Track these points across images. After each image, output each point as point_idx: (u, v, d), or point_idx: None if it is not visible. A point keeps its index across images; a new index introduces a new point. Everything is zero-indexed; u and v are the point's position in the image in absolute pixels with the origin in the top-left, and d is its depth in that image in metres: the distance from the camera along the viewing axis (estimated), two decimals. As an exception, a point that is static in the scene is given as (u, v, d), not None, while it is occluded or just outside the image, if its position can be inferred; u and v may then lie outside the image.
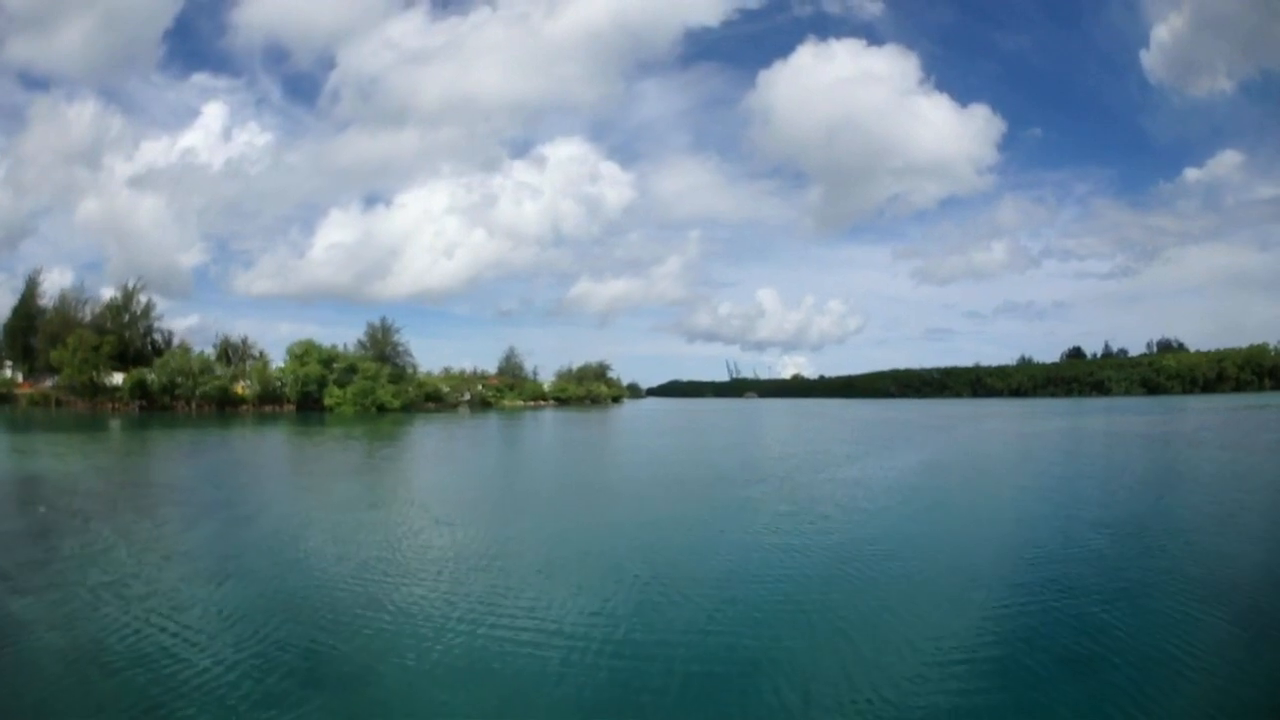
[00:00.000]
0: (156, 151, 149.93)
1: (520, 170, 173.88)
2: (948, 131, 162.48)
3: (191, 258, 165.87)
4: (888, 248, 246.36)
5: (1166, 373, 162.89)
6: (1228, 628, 9.67)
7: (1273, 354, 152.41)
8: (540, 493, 23.74)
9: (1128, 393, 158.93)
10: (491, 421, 75.66)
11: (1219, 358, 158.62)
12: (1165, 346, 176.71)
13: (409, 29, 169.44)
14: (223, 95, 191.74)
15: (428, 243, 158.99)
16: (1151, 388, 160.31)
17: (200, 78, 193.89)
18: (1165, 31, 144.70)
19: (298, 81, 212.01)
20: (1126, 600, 10.79)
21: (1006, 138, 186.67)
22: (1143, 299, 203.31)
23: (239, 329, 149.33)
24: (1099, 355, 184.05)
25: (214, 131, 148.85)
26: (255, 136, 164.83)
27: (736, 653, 8.97)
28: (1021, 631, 9.59)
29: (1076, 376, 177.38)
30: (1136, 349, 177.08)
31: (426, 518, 17.57)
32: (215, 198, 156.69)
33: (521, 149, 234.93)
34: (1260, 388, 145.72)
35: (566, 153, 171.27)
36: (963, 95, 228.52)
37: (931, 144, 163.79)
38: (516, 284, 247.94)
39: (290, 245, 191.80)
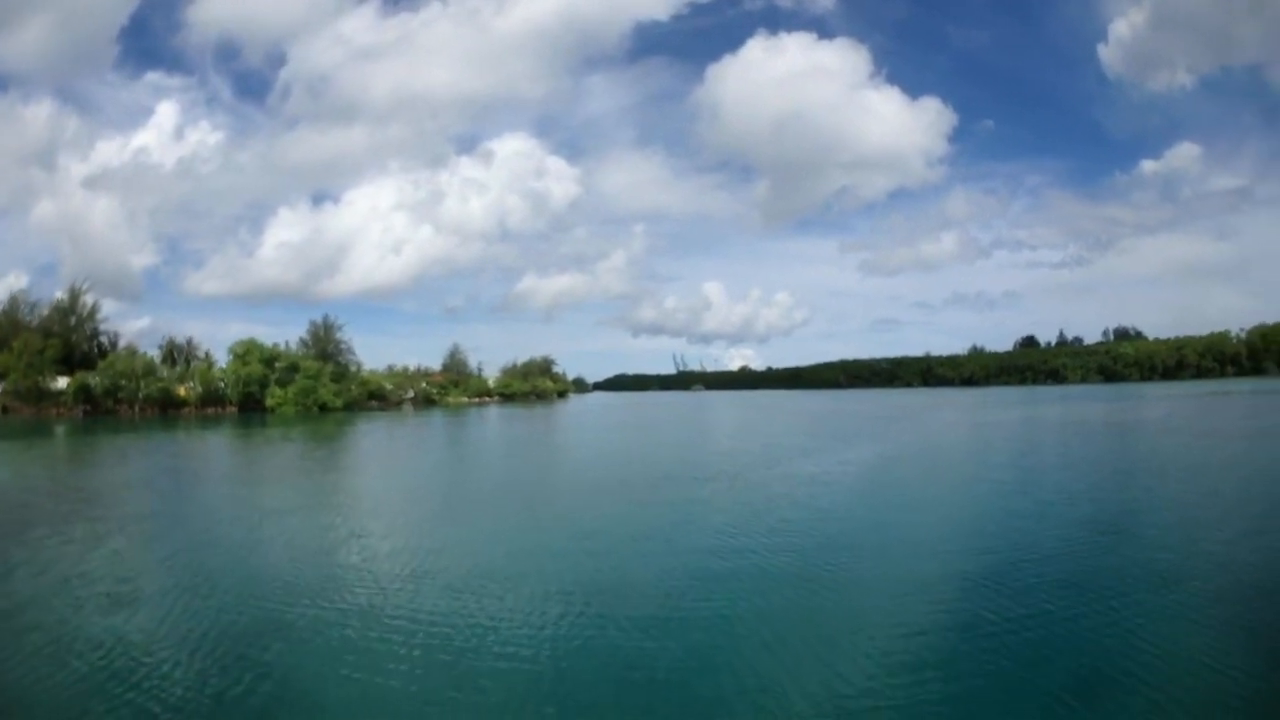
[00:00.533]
0: (110, 151, 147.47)
1: (467, 166, 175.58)
2: (898, 124, 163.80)
3: (143, 259, 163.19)
4: (835, 240, 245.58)
5: (1124, 360, 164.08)
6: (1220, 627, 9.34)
7: (1235, 341, 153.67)
8: (477, 496, 22.50)
9: (1084, 380, 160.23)
10: (434, 420, 75.92)
11: (1178, 345, 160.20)
12: (1123, 334, 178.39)
13: (360, 25, 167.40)
14: (175, 94, 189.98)
15: (375, 240, 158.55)
16: (1109, 375, 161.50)
17: (154, 76, 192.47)
18: (1124, 27, 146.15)
19: (248, 79, 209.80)
20: (1115, 600, 10.38)
21: (958, 130, 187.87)
22: (1096, 289, 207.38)
23: (190, 331, 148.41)
24: (1053, 344, 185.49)
25: (166, 131, 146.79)
26: (207, 135, 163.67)
27: (678, 665, 8.50)
28: (992, 633, 9.30)
29: (1031, 365, 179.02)
30: (1092, 338, 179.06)
31: (349, 526, 16.91)
32: (167, 198, 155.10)
33: (468, 145, 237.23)
34: (1222, 375, 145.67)
35: (513, 148, 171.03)
36: (914, 88, 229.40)
37: (881, 137, 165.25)
38: (463, 280, 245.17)
39: (240, 245, 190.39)
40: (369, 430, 56.71)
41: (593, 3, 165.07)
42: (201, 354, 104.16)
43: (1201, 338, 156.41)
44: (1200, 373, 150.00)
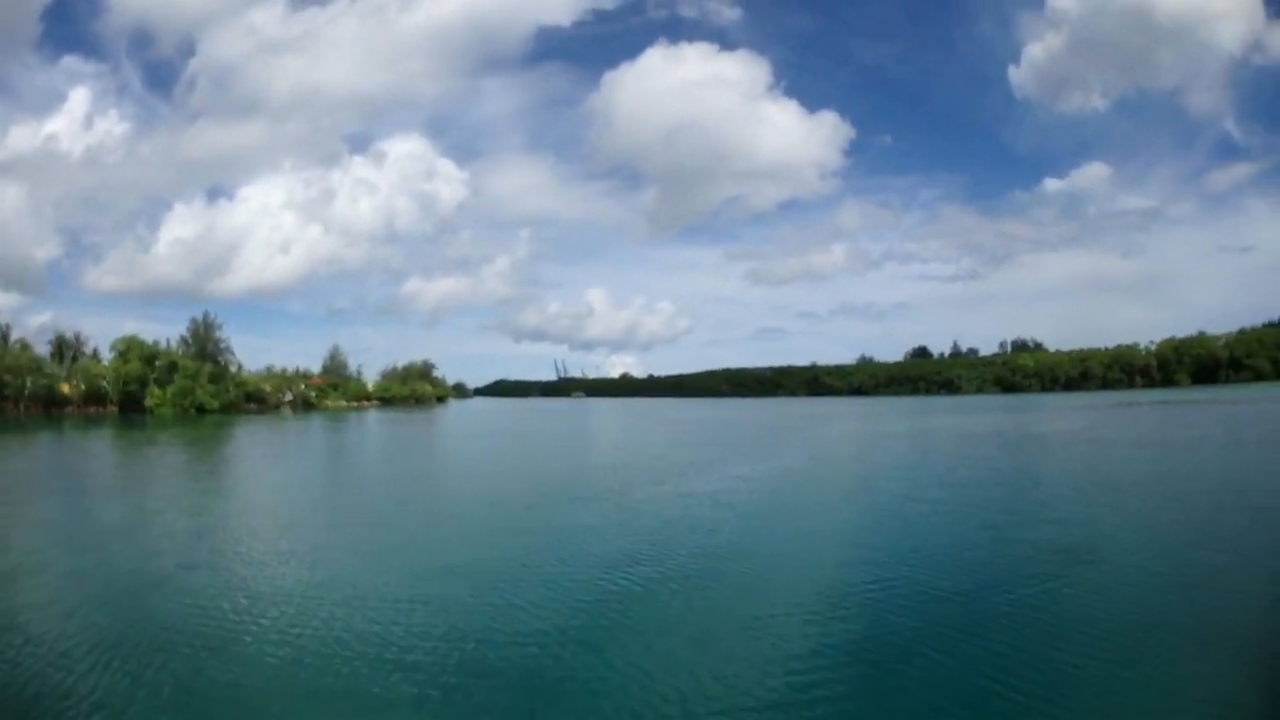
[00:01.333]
0: (23, 137, 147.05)
1: (359, 166, 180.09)
2: (793, 137, 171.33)
3: (47, 251, 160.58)
4: (721, 249, 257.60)
5: (1024, 371, 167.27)
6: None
7: (1143, 353, 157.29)
8: (334, 521, 19.92)
9: (980, 391, 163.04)
10: (311, 425, 75.09)
11: (1082, 357, 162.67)
12: (1021, 347, 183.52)
13: (270, 17, 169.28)
14: (89, 81, 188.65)
15: (265, 239, 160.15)
16: (1007, 387, 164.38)
17: (70, 61, 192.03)
18: (1039, 49, 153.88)
19: (158, 69, 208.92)
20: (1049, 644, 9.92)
21: (855, 144, 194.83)
22: (990, 302, 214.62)
23: (89, 328, 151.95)
24: (946, 355, 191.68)
25: (77, 118, 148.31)
26: (114, 125, 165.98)
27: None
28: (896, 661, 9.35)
29: (924, 375, 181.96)
30: (988, 350, 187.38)
31: (169, 561, 15.15)
32: (72, 188, 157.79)
33: (361, 145, 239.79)
34: (1131, 386, 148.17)
35: (405, 149, 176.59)
36: (814, 101, 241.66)
37: (775, 148, 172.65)
38: (349, 282, 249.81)
39: (137, 240, 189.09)
40: (240, 437, 56.49)
41: (497, 4, 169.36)
42: (90, 350, 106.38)
43: (1108, 350, 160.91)
44: (1106, 384, 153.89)
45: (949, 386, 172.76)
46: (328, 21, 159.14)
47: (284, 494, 26.63)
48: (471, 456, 41.93)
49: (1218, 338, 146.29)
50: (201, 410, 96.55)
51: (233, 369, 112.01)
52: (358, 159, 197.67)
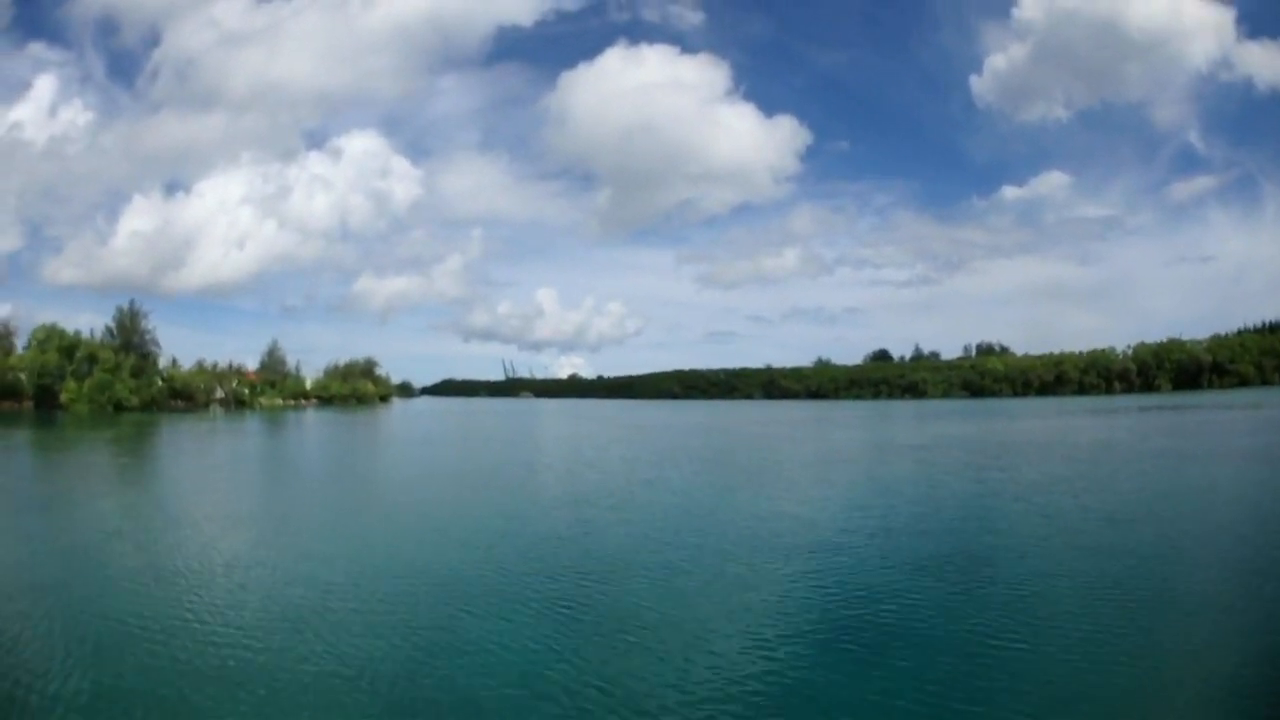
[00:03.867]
0: None
1: (315, 162, 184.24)
2: (749, 141, 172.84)
3: (8, 242, 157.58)
4: (672, 252, 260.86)
5: (993, 375, 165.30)
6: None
7: (1120, 357, 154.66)
8: (239, 554, 16.57)
9: (947, 395, 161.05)
10: (242, 425, 72.91)
11: (1056, 361, 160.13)
12: (986, 350, 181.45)
13: (234, 9, 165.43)
14: (54, 68, 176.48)
15: (221, 234, 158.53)
16: (975, 391, 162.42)
17: (37, 47, 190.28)
18: (1002, 60, 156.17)
19: (121, 59, 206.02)
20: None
21: (811, 149, 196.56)
22: (944, 307, 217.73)
23: (45, 321, 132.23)
24: (907, 358, 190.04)
25: (42, 107, 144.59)
26: (78, 115, 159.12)
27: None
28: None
29: (886, 379, 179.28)
30: (950, 354, 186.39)
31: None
32: (34, 178, 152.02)
33: (318, 140, 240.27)
34: (1109, 391, 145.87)
35: (361, 146, 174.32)
36: (771, 106, 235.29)
37: (730, 152, 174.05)
38: (302, 279, 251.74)
39: (96, 233, 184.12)
40: (153, 439, 53.36)
41: (459, 2, 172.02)
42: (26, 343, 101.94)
43: (1082, 354, 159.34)
44: (1083, 389, 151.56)
45: (913, 390, 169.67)
46: (291, 15, 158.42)
47: (183, 512, 22.59)
48: (415, 463, 39.23)
49: (1200, 342, 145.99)
50: (120, 407, 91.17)
51: (163, 363, 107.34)
52: (314, 155, 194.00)
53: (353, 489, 29.04)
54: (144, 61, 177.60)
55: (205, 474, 34.66)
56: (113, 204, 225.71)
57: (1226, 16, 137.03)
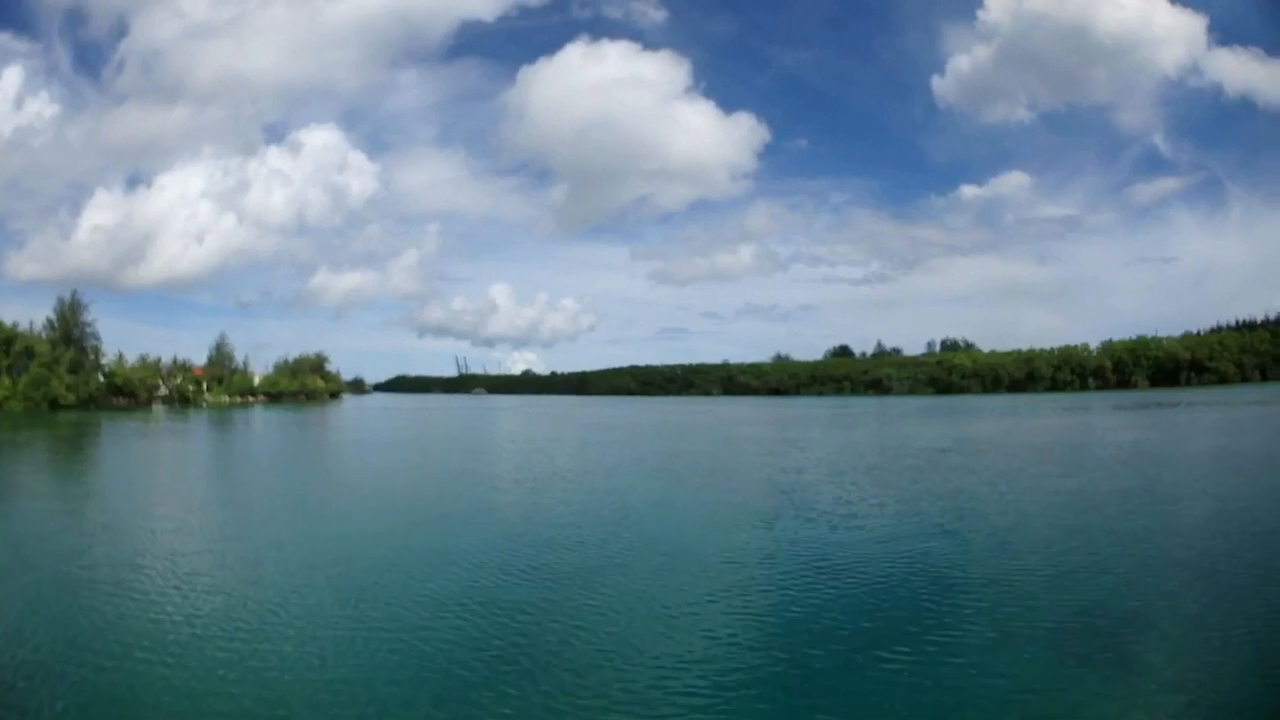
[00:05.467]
0: None
1: (275, 156, 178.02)
2: (708, 138, 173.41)
3: None
4: (626, 248, 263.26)
5: (960, 371, 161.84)
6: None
7: (1093, 354, 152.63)
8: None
9: (913, 392, 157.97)
10: (184, 425, 69.60)
11: (1027, 357, 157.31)
12: (951, 346, 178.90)
13: (201, 0, 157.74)
14: (21, 59, 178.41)
15: (181, 228, 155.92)
16: (941, 387, 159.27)
17: (3, 38, 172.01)
18: (966, 62, 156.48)
19: (88, 50, 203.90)
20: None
21: (769, 147, 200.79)
22: (899, 305, 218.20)
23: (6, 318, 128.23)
24: (869, 354, 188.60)
25: (9, 98, 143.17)
26: (44, 107, 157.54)
27: None
28: None
29: (849, 375, 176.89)
30: (911, 350, 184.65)
31: None
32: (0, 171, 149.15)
33: (278, 134, 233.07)
34: (1083, 388, 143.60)
35: (320, 140, 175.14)
36: (730, 104, 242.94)
37: (688, 149, 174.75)
38: (259, 274, 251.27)
39: (59, 227, 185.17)
40: (77, 443, 49.46)
41: None
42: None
43: (1054, 350, 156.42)
44: (1056, 385, 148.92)
45: (877, 386, 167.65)
46: (257, 6, 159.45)
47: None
48: (361, 475, 33.80)
49: (1173, 340, 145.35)
50: (56, 405, 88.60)
51: (109, 358, 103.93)
52: (274, 149, 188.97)
53: (281, 512, 23.68)
54: (110, 53, 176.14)
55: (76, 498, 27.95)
56: (76, 197, 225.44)
57: (1198, 24, 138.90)
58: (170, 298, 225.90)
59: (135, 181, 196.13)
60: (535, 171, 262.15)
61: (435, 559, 15.33)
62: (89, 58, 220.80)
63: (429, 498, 24.65)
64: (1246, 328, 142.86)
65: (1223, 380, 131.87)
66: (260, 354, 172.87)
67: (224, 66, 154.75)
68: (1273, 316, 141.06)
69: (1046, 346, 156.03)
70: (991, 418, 63.88)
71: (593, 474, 30.03)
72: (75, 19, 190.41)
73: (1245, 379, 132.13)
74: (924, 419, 66.04)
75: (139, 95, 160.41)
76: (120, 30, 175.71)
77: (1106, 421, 56.21)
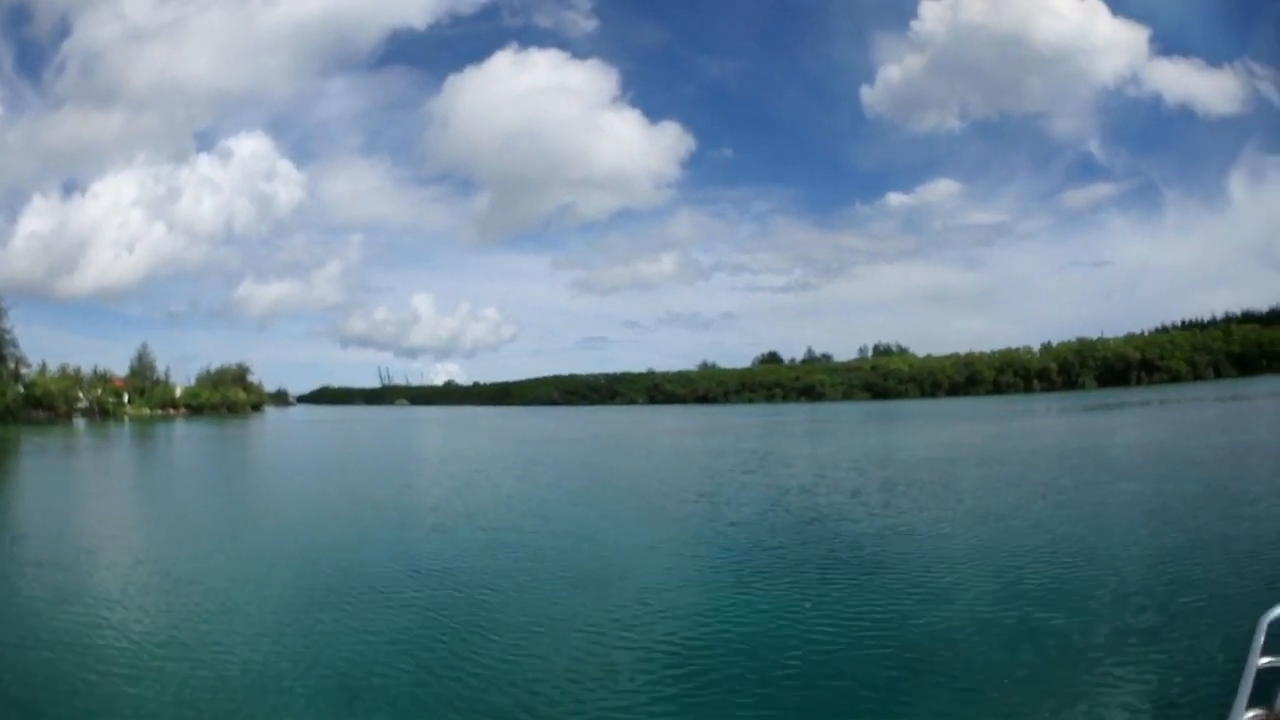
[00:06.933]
0: None
1: (205, 164, 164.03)
2: (633, 147, 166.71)
3: None
4: (548, 257, 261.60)
5: (897, 376, 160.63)
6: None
7: (1036, 355, 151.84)
8: None
9: (848, 398, 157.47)
10: (103, 441, 68.04)
11: (966, 360, 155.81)
12: (885, 351, 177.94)
13: (142, 2, 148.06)
14: None
15: (113, 236, 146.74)
16: (877, 392, 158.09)
17: None
18: (896, 71, 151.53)
19: (30, 51, 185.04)
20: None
21: (694, 156, 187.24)
22: (823, 312, 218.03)
23: None
24: (797, 361, 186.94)
25: None
26: None
27: None
28: None
29: (779, 381, 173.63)
30: (841, 356, 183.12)
31: None
32: None
33: (209, 141, 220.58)
34: (1028, 390, 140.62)
35: (250, 148, 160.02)
36: (657, 113, 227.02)
37: (613, 158, 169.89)
38: (187, 284, 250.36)
39: None
40: None
41: (356, 4, 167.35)
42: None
43: (995, 353, 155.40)
44: (999, 388, 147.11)
45: (810, 393, 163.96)
46: (196, 10, 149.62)
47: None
48: (276, 510, 28.83)
49: (1130, 340, 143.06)
50: None
51: (29, 369, 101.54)
52: (204, 156, 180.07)
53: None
54: (52, 54, 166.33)
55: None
56: (13, 204, 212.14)
57: (1141, 35, 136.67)
58: (101, 308, 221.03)
59: (71, 188, 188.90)
60: (458, 181, 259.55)
61: (353, 595, 14.11)
62: (31, 59, 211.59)
63: (350, 527, 22.48)
64: (1197, 327, 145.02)
65: (1175, 379, 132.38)
66: (186, 366, 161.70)
67: (161, 71, 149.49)
68: (1219, 317, 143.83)
69: (979, 350, 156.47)
70: (971, 421, 62.98)
71: (573, 506, 25.77)
72: (19, 18, 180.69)
73: (1199, 377, 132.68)
74: (899, 424, 65.10)
75: (78, 99, 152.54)
76: (63, 31, 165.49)
77: (1097, 423, 55.51)
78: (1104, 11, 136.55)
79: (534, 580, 15.03)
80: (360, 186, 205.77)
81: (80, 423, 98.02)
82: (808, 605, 12.27)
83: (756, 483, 28.87)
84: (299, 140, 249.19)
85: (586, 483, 33.10)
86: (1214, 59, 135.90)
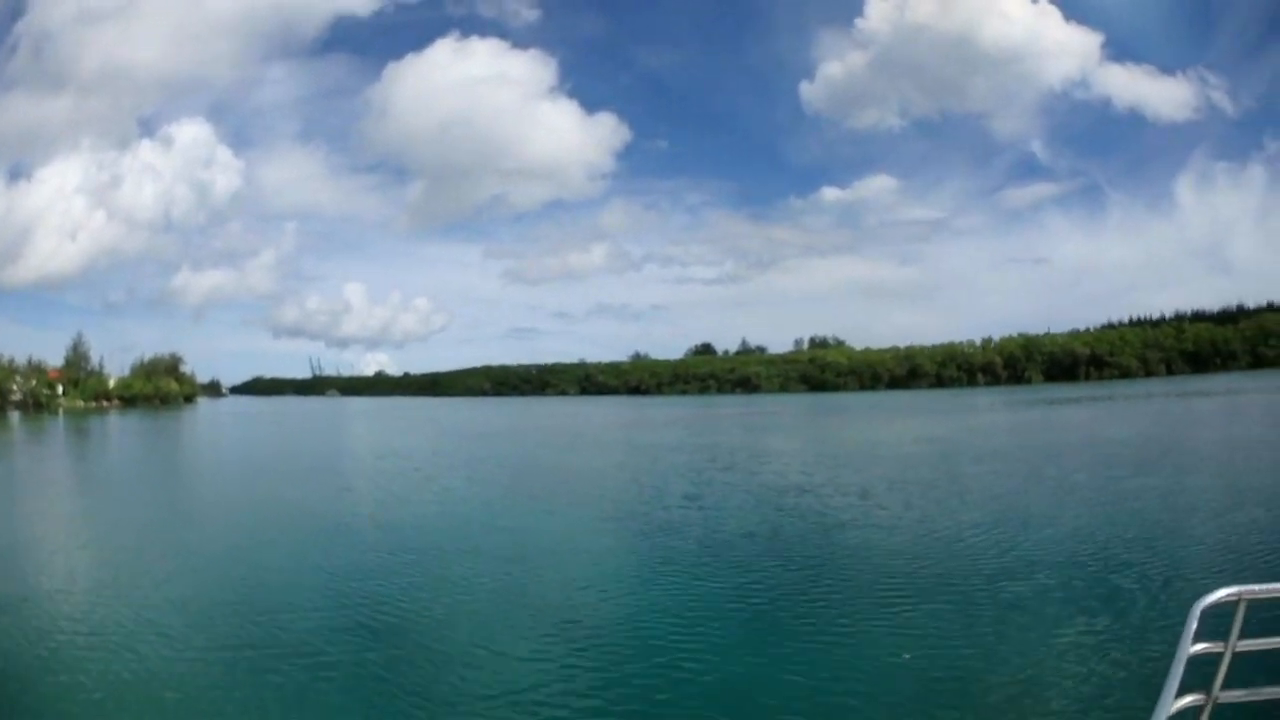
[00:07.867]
0: None
1: (147, 150, 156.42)
2: (568, 137, 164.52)
3: None
4: (479, 247, 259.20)
5: (835, 369, 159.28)
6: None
7: (979, 350, 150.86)
8: None
9: (785, 390, 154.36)
10: (37, 437, 67.23)
11: (907, 353, 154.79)
12: (821, 344, 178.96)
13: None
14: None
15: (56, 224, 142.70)
16: (814, 384, 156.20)
17: None
18: (838, 67, 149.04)
19: None
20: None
21: (629, 147, 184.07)
22: (753, 304, 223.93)
23: None
24: (731, 352, 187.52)
25: None
26: None
27: None
28: None
29: (714, 373, 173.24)
30: (776, 348, 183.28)
31: None
32: None
33: (152, 127, 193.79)
34: (971, 384, 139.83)
35: (190, 134, 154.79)
36: (594, 103, 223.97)
37: (547, 148, 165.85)
38: (125, 272, 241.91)
39: None
40: None
41: None
42: None
43: (936, 347, 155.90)
44: (940, 382, 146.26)
45: (745, 385, 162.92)
46: None
47: None
48: (201, 523, 25.42)
49: (1077, 336, 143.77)
50: None
51: None
52: (146, 142, 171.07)
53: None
54: (5, 35, 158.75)
55: None
56: None
57: (1093, 40, 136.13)
58: (42, 297, 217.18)
59: (17, 174, 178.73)
60: (392, 169, 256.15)
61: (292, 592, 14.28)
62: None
63: (279, 546, 20.48)
64: (1147, 325, 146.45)
65: (1125, 375, 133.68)
66: (123, 356, 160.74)
67: (109, 55, 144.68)
68: (1169, 316, 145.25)
69: (915, 344, 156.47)
70: (933, 415, 62.49)
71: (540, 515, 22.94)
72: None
73: (1150, 373, 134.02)
74: (848, 417, 65.05)
75: (28, 82, 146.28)
76: (18, 10, 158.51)
77: (1073, 416, 55.77)
78: (1056, 16, 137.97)
79: (507, 615, 12.95)
80: (296, 174, 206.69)
81: (14, 416, 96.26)
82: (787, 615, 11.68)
83: (739, 483, 27.17)
84: (238, 127, 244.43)
85: (549, 485, 30.01)
86: (1168, 66, 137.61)
